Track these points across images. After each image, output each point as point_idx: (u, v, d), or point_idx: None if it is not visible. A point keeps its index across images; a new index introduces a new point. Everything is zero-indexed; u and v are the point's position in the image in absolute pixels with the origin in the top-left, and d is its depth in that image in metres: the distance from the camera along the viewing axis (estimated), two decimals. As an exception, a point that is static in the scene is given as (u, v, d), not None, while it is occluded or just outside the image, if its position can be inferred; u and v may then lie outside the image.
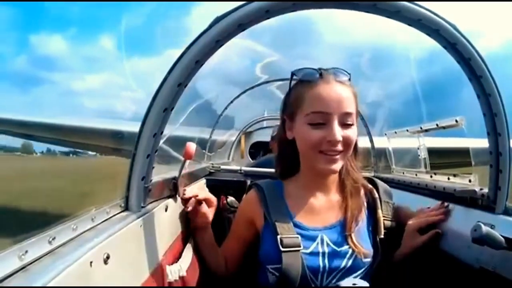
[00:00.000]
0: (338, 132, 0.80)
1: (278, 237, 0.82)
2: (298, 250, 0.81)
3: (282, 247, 0.80)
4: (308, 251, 0.82)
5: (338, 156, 0.83)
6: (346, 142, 0.82)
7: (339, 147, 0.81)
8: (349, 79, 0.87)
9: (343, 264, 0.82)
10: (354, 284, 0.63)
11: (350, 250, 0.83)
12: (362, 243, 0.85)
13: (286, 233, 0.83)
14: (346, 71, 0.87)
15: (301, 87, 0.87)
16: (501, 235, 0.69)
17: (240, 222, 0.97)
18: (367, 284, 0.67)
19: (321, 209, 0.90)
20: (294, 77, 0.90)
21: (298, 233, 0.84)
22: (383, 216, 0.91)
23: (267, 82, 2.18)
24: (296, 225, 0.86)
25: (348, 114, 0.82)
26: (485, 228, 0.68)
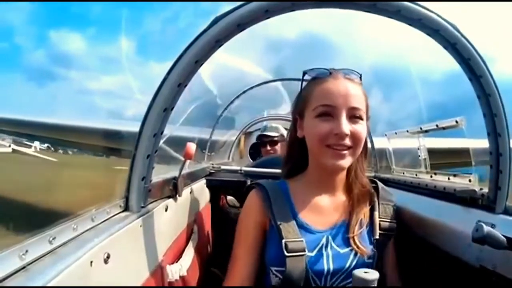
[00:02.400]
0: (346, 125, 0.79)
1: (283, 241, 0.80)
2: (303, 255, 0.80)
3: (287, 251, 0.79)
4: (313, 254, 0.82)
5: (346, 152, 0.81)
6: (354, 137, 0.81)
7: (347, 141, 0.80)
8: (360, 79, 0.87)
9: (347, 265, 0.82)
10: (365, 272, 0.65)
11: (353, 252, 0.83)
12: (364, 243, 0.85)
13: (291, 236, 0.82)
14: (357, 72, 0.87)
15: (311, 85, 0.88)
16: (502, 235, 0.69)
17: (249, 231, 0.89)
18: (377, 275, 0.68)
19: (327, 209, 0.89)
20: (306, 76, 0.90)
21: (302, 235, 0.83)
22: (381, 218, 0.91)
23: (267, 82, 2.19)
24: (301, 226, 0.85)
25: (356, 109, 0.81)
26: (486, 228, 0.68)
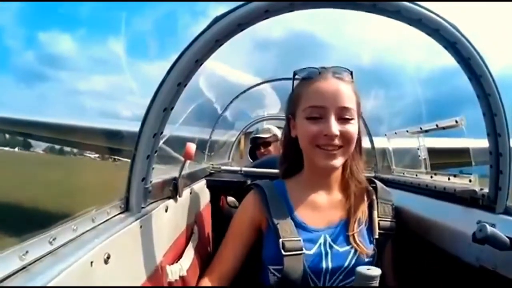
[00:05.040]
0: (335, 126, 0.80)
1: (280, 240, 0.81)
2: (300, 253, 0.81)
3: (284, 250, 0.80)
4: (311, 252, 0.82)
5: (336, 152, 0.82)
6: (345, 137, 0.81)
7: (337, 141, 0.81)
8: (351, 77, 0.87)
9: (346, 264, 0.82)
10: (368, 268, 0.66)
11: (353, 250, 0.83)
12: (363, 242, 0.85)
13: (288, 236, 0.82)
14: (347, 69, 0.87)
15: (301, 85, 0.89)
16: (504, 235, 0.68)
17: (242, 225, 0.92)
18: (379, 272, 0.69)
19: (324, 207, 0.89)
20: (296, 76, 0.91)
21: (300, 234, 0.83)
22: (380, 217, 0.91)
23: (266, 82, 2.20)
24: (298, 225, 0.85)
25: (346, 109, 0.82)
26: (490, 229, 0.68)
